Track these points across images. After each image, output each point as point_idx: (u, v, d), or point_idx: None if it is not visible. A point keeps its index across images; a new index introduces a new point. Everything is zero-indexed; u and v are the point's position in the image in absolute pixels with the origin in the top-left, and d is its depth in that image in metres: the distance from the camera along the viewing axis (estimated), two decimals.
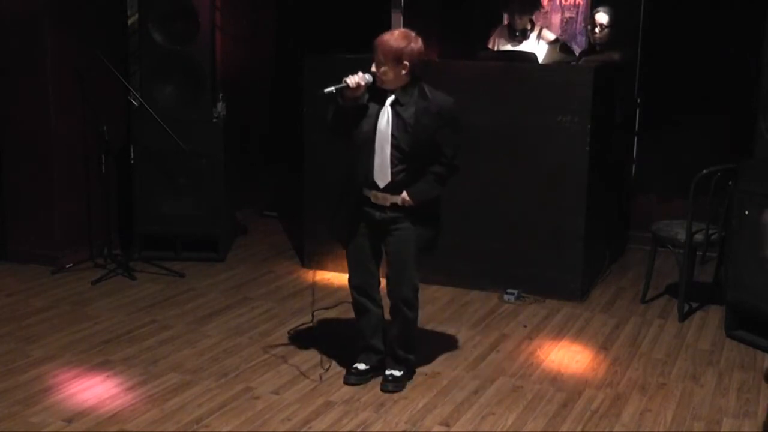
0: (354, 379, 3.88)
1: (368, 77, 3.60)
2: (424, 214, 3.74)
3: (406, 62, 3.55)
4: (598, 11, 5.69)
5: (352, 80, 3.56)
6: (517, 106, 4.98)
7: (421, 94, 3.63)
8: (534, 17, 5.91)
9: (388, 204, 3.69)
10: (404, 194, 3.65)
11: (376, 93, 3.65)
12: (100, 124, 5.39)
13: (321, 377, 3.92)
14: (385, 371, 3.87)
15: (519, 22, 5.78)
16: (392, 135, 3.61)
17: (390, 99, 3.62)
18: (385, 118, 3.62)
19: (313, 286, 4.87)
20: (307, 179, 5.56)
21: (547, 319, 4.81)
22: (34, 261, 5.53)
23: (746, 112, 4.97)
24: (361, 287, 3.89)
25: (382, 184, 3.66)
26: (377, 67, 3.58)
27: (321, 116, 5.51)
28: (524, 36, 5.82)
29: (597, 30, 5.65)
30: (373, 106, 3.65)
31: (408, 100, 3.62)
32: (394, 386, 3.82)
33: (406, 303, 3.81)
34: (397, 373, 3.86)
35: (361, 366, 3.92)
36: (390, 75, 3.58)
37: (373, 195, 3.69)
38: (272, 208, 7.06)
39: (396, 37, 3.56)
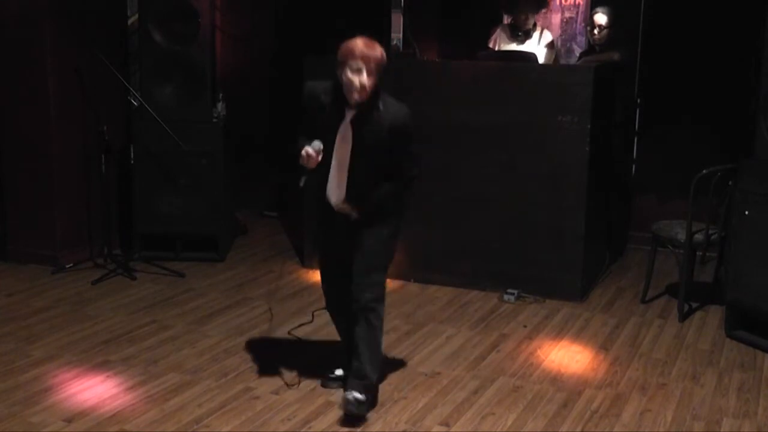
0: (335, 384, 3.80)
1: (318, 146, 3.43)
2: (383, 213, 3.58)
3: (379, 72, 3.37)
4: (596, 12, 5.68)
5: (311, 162, 3.43)
6: (517, 106, 4.98)
7: (376, 105, 3.42)
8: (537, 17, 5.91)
9: (353, 213, 3.55)
10: (356, 210, 3.53)
11: (335, 103, 3.45)
12: (100, 124, 5.39)
13: (298, 384, 3.85)
14: (348, 392, 3.54)
15: (525, 22, 5.76)
16: (352, 153, 3.44)
17: (350, 114, 3.43)
18: (344, 135, 3.44)
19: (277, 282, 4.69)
20: (307, 179, 5.55)
21: (547, 319, 4.81)
22: (34, 261, 5.53)
23: (746, 112, 4.97)
24: (336, 300, 3.75)
25: (334, 200, 3.52)
26: (359, 80, 3.33)
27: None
28: (527, 36, 5.82)
29: (596, 31, 5.65)
30: (332, 118, 3.46)
31: (367, 113, 3.41)
32: (361, 409, 3.51)
33: (370, 311, 3.57)
34: (362, 397, 3.52)
35: (339, 372, 3.84)
36: (369, 86, 3.36)
37: (335, 206, 3.55)
38: (272, 208, 7.06)
39: (372, 44, 3.36)
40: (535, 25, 5.81)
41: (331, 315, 3.89)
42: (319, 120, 3.50)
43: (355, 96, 3.36)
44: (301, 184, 3.47)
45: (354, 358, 3.61)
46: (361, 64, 3.32)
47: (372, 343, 3.61)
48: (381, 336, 3.66)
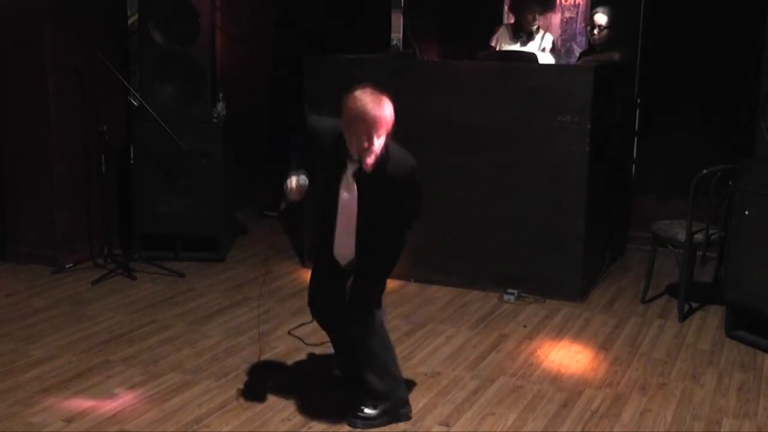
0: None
1: (303, 181, 3.38)
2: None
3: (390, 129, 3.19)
4: (596, 12, 5.68)
5: (292, 195, 3.38)
6: (517, 106, 4.98)
7: (383, 157, 3.22)
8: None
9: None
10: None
11: (338, 150, 3.28)
12: (100, 124, 5.39)
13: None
14: (360, 406, 3.53)
15: (532, 22, 5.75)
16: (358, 209, 3.31)
17: (353, 168, 3.27)
18: (348, 188, 3.31)
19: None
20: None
21: (547, 319, 4.81)
22: (34, 261, 5.53)
23: (746, 112, 4.97)
24: (325, 314, 3.71)
25: (344, 262, 3.45)
26: (368, 140, 3.13)
27: (321, 116, 5.50)
28: (530, 38, 5.82)
29: (596, 31, 5.65)
30: (333, 166, 3.32)
31: (375, 168, 3.22)
32: (362, 423, 3.49)
33: (365, 343, 3.50)
34: (369, 411, 3.50)
35: (338, 372, 3.86)
36: (379, 147, 3.17)
37: (343, 265, 3.48)
38: (272, 208, 7.06)
39: (380, 105, 3.14)
40: (538, 27, 5.81)
41: (318, 323, 3.82)
42: (319, 163, 3.39)
43: (368, 160, 3.17)
44: (281, 208, 3.43)
45: (362, 374, 3.55)
46: (372, 131, 3.12)
47: (374, 362, 3.52)
48: (376, 341, 3.54)
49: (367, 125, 3.12)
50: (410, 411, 3.59)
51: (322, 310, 3.71)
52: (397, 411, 3.55)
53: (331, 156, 3.32)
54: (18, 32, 5.33)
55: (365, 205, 3.32)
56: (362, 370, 3.53)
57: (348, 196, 3.33)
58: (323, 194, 3.42)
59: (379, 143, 3.16)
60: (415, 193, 3.41)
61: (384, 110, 3.15)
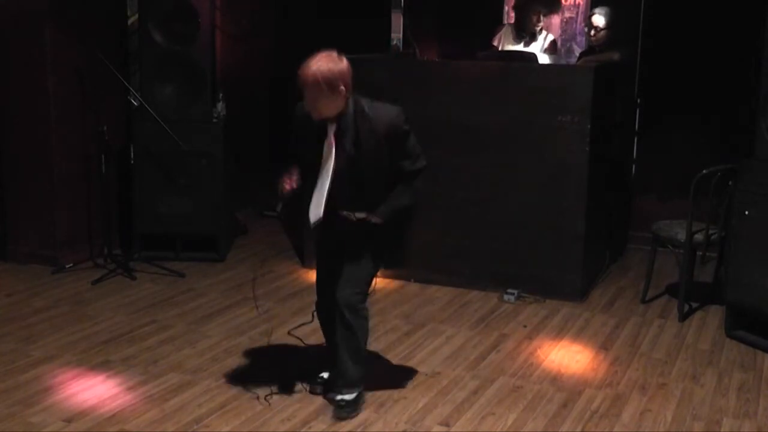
0: (320, 389, 3.77)
1: (294, 183, 3.46)
2: (385, 227, 3.50)
3: (341, 87, 3.22)
4: (594, 14, 5.69)
5: (284, 187, 3.46)
6: (517, 106, 4.98)
7: (360, 114, 3.29)
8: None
9: (353, 219, 3.49)
10: (374, 217, 3.44)
11: (311, 125, 3.35)
12: (100, 124, 5.39)
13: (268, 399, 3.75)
14: (335, 396, 3.61)
15: (536, 23, 5.75)
16: (337, 169, 3.34)
17: (332, 129, 3.31)
18: (328, 151, 3.34)
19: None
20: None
21: (547, 319, 4.81)
22: (34, 261, 5.53)
23: (746, 112, 4.97)
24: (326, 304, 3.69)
25: (312, 219, 3.41)
26: (310, 103, 3.24)
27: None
28: (533, 39, 5.82)
29: (593, 32, 5.66)
30: (317, 136, 3.36)
31: (348, 126, 3.30)
32: (348, 411, 3.56)
33: (349, 307, 3.49)
34: (348, 397, 3.58)
35: (326, 375, 3.81)
36: (329, 106, 3.25)
37: (314, 223, 3.46)
38: (272, 208, 7.05)
39: (319, 64, 3.21)
40: (542, 28, 5.81)
41: (319, 318, 3.82)
42: (306, 140, 3.42)
43: (316, 118, 3.29)
44: (278, 209, 3.48)
45: (341, 359, 3.60)
46: (305, 90, 3.23)
47: (355, 344, 3.56)
48: (363, 336, 3.59)
49: (300, 85, 3.22)
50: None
51: (327, 305, 3.68)
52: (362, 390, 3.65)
53: (316, 127, 3.35)
54: (18, 32, 5.33)
55: (343, 162, 3.33)
56: (340, 352, 3.57)
57: (328, 158, 3.34)
58: (309, 165, 3.44)
59: (318, 102, 3.22)
60: (406, 142, 3.39)
61: (308, 68, 3.21)
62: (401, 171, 3.44)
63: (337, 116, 3.31)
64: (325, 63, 3.22)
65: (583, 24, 6.33)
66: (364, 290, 3.56)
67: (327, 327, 3.78)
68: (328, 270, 3.63)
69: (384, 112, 3.34)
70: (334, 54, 3.27)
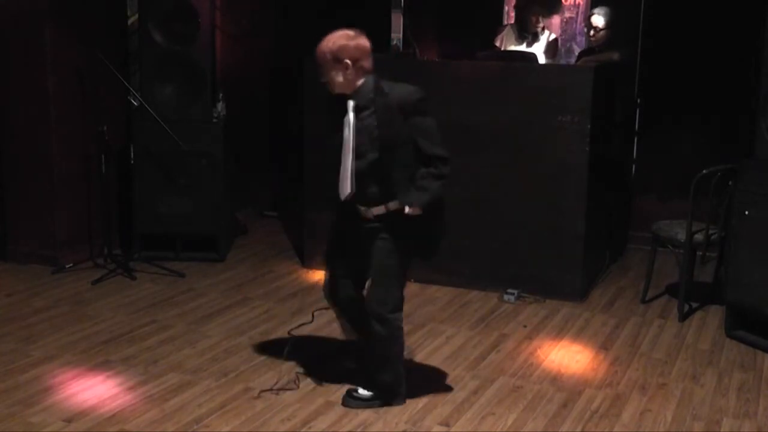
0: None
1: None
2: (407, 223, 3.46)
3: (346, 60, 3.32)
4: (593, 14, 5.69)
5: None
6: (517, 106, 4.98)
7: (378, 91, 3.39)
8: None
9: (371, 216, 3.48)
10: (408, 209, 3.41)
11: (341, 100, 3.44)
12: (100, 124, 5.38)
13: (296, 382, 3.83)
14: (354, 386, 3.71)
15: (536, 24, 5.75)
16: (357, 144, 3.39)
17: (351, 105, 3.40)
18: (348, 126, 3.40)
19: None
20: (307, 179, 5.56)
21: (547, 319, 4.81)
22: (34, 261, 5.53)
23: (746, 112, 4.97)
24: (338, 295, 3.73)
25: (343, 196, 3.46)
26: (322, 75, 3.40)
27: (321, 116, 5.52)
28: (535, 39, 5.81)
29: (593, 32, 5.66)
30: (338, 111, 3.45)
31: (367, 103, 3.39)
32: (355, 403, 3.64)
33: (377, 318, 3.53)
34: (363, 392, 3.66)
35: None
36: (337, 79, 3.37)
37: (358, 208, 3.51)
38: (272, 208, 7.06)
39: (330, 39, 3.37)
40: (543, 28, 5.81)
41: (330, 304, 3.86)
42: (332, 117, 3.50)
43: (333, 90, 3.42)
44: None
45: (367, 362, 3.70)
46: (319, 66, 3.39)
47: (382, 353, 3.61)
48: (393, 342, 3.61)
49: (317, 59, 3.39)
50: (404, 399, 3.68)
51: (337, 291, 3.71)
52: (393, 398, 3.67)
53: (332, 106, 3.48)
54: (18, 32, 5.33)
55: (364, 139, 3.40)
56: (369, 356, 3.66)
57: (348, 131, 3.42)
58: (333, 140, 3.50)
59: (329, 76, 3.37)
60: (422, 121, 3.43)
61: (323, 44, 3.37)
62: (421, 153, 3.43)
63: (355, 92, 3.39)
64: (336, 38, 3.37)
65: (582, 24, 6.33)
66: (395, 296, 3.55)
67: (340, 316, 3.85)
68: (345, 262, 3.66)
69: (400, 89, 3.43)
70: (351, 31, 3.39)
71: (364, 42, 3.39)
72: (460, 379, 3.98)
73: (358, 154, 3.41)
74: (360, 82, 3.39)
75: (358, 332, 3.79)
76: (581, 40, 6.41)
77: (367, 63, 3.39)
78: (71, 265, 5.45)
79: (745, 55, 5.34)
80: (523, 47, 5.84)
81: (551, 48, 5.93)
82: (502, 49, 5.88)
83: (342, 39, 3.35)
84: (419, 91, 3.43)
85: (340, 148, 3.44)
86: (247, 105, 6.81)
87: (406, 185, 3.43)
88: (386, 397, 3.65)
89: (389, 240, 3.49)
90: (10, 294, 5.05)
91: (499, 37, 5.93)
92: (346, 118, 3.41)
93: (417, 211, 3.42)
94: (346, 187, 3.44)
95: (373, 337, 3.57)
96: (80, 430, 3.42)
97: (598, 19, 5.63)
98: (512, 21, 6.15)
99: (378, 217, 3.48)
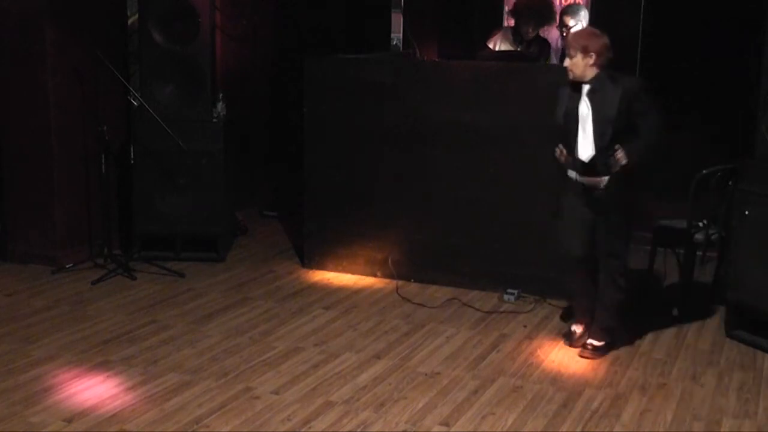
0: (567, 341, 4.40)
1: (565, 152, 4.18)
2: (627, 180, 4.11)
3: (592, 53, 3.99)
4: (566, 13, 5.70)
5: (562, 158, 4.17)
6: (517, 106, 4.98)
7: (611, 80, 4.03)
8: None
9: (601, 186, 4.10)
10: (619, 153, 3.95)
11: (572, 86, 4.11)
12: (100, 124, 5.38)
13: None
14: (587, 340, 4.29)
15: (527, 33, 5.75)
16: (593, 120, 4.04)
17: (586, 89, 4.05)
18: (584, 106, 4.06)
19: None
20: (307, 179, 5.56)
21: (547, 319, 4.81)
22: (34, 261, 5.53)
23: (746, 112, 4.96)
24: (579, 256, 4.28)
25: (586, 158, 4.07)
26: (569, 58, 4.06)
27: (321, 116, 5.52)
28: (529, 47, 5.81)
29: (565, 31, 5.66)
30: (571, 98, 4.10)
31: (601, 88, 4.03)
32: (591, 353, 4.23)
33: (610, 277, 4.22)
34: (597, 342, 4.26)
35: (577, 329, 4.40)
36: (579, 65, 4.02)
37: (585, 180, 4.13)
38: (272, 208, 7.06)
39: (584, 32, 4.13)
40: (537, 36, 5.80)
41: (570, 266, 4.39)
42: (566, 103, 4.15)
43: (570, 75, 4.07)
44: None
45: (599, 314, 4.30)
46: (569, 49, 4.08)
47: (606, 301, 4.26)
48: (624, 296, 4.26)
49: (569, 44, 4.10)
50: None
51: (577, 249, 4.28)
52: (617, 340, 4.34)
53: (567, 94, 4.18)
54: (18, 32, 5.33)
55: (598, 116, 4.05)
56: (599, 305, 4.29)
57: (586, 110, 4.08)
58: (564, 119, 4.18)
59: (572, 63, 4.05)
60: (642, 106, 4.03)
61: (589, 36, 4.06)
62: (636, 129, 4.04)
63: (590, 80, 4.04)
64: (586, 33, 4.14)
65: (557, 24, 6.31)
66: (622, 256, 4.27)
67: (578, 276, 4.39)
68: (581, 232, 4.26)
69: (627, 79, 4.10)
70: (597, 31, 4.10)
71: (605, 40, 4.05)
72: (460, 379, 3.98)
73: (594, 127, 4.06)
74: (595, 72, 4.03)
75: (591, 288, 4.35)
76: None
77: (607, 58, 4.05)
78: (71, 265, 5.45)
79: (745, 54, 5.34)
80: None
81: (539, 52, 5.91)
82: (496, 49, 5.87)
83: (593, 35, 4.05)
84: (641, 82, 4.12)
85: (567, 128, 4.13)
86: (247, 105, 6.81)
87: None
88: (614, 340, 4.31)
89: (617, 202, 4.14)
90: (10, 294, 5.05)
91: (493, 39, 5.91)
92: (581, 100, 4.07)
93: (624, 159, 3.98)
94: (589, 151, 4.08)
95: (610, 296, 4.24)
96: (80, 430, 3.42)
97: (569, 20, 5.64)
98: (511, 24, 6.13)
99: (605, 186, 4.11)
